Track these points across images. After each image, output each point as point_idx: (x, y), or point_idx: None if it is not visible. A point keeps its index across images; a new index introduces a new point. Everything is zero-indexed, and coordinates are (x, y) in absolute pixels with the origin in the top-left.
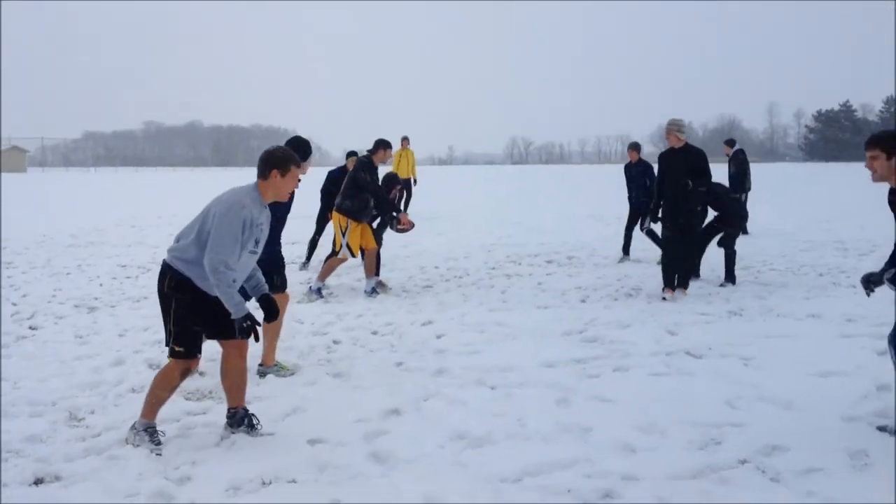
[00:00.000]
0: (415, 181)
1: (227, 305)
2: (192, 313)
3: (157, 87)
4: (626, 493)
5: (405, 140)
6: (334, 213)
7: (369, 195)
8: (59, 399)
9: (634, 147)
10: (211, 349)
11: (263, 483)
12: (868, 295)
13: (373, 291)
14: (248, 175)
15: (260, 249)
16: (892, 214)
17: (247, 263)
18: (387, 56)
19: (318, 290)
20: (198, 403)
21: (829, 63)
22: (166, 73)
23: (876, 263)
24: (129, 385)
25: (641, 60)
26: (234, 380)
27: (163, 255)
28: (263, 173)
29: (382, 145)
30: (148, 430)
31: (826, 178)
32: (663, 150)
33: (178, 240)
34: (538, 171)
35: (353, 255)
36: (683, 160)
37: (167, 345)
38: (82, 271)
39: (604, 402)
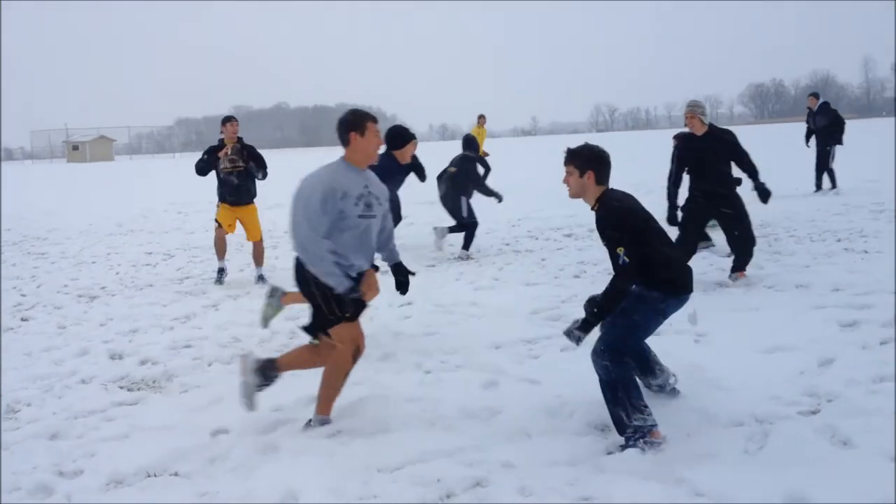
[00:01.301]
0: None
1: (327, 281)
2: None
3: (246, 72)
4: (497, 481)
5: (482, 118)
6: None
7: (233, 176)
8: (5, 392)
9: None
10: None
11: (147, 476)
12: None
13: (260, 279)
14: (334, 153)
15: (378, 213)
16: None
17: (366, 231)
18: (468, 27)
19: (220, 273)
20: (130, 394)
21: None
22: (255, 57)
23: None
24: (80, 377)
25: (728, 17)
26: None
27: (197, 240)
28: (344, 140)
29: (223, 122)
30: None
31: None
32: (681, 133)
33: None
34: (617, 138)
35: (220, 226)
36: (717, 146)
37: (323, 331)
38: (108, 260)
39: (530, 384)
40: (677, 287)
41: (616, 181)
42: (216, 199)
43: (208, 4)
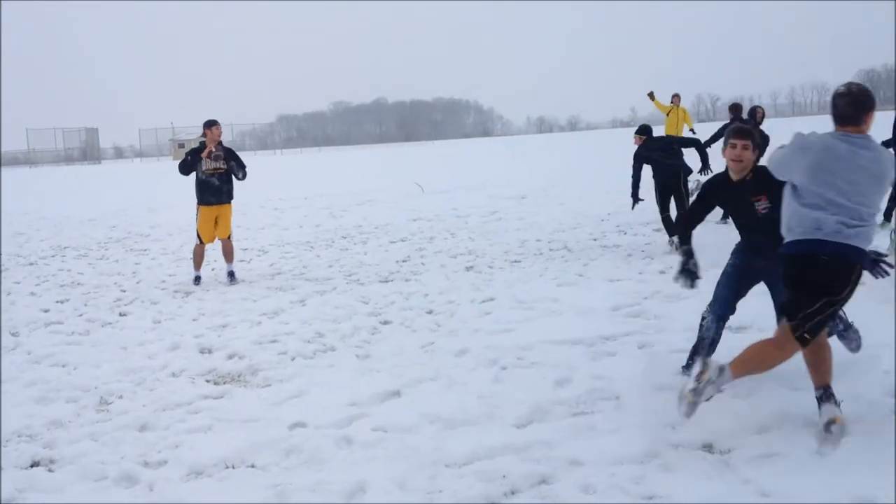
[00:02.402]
0: (692, 131)
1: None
2: None
3: (346, 69)
4: (562, 478)
5: (676, 97)
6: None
7: (214, 178)
8: (100, 384)
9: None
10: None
11: (226, 467)
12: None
13: (230, 276)
14: (430, 148)
15: None
16: None
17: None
18: (561, 19)
19: (196, 279)
20: (216, 387)
21: None
22: (353, 55)
23: None
24: (170, 370)
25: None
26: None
27: (290, 237)
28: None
29: (206, 126)
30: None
31: None
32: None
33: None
34: (715, 128)
35: (202, 242)
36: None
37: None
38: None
39: (600, 380)
40: None
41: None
42: (195, 201)
43: (307, 5)
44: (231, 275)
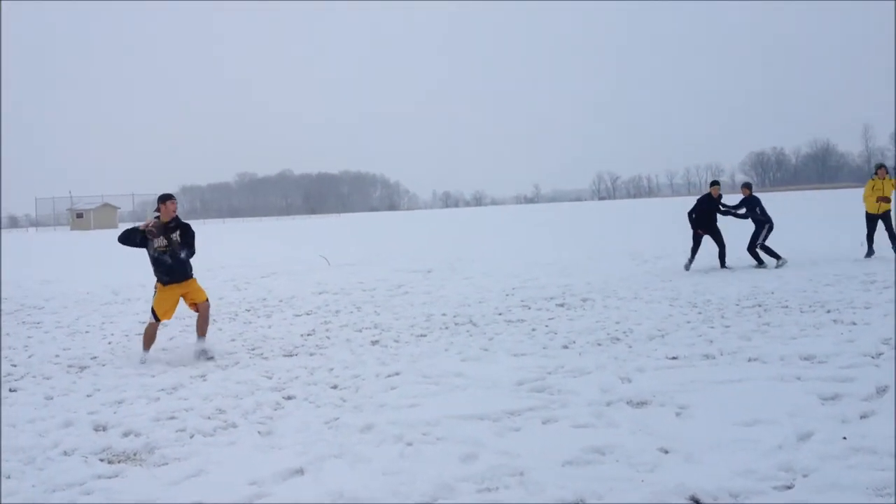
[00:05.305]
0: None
1: None
2: None
3: (252, 140)
4: None
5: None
6: None
7: (167, 256)
8: None
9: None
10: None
11: None
12: None
13: (202, 353)
14: (336, 221)
15: None
16: None
17: None
18: (470, 97)
19: (204, 352)
20: (110, 466)
21: None
22: (258, 126)
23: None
24: (62, 448)
25: (728, 86)
26: None
27: (188, 310)
28: None
29: (161, 200)
30: None
31: None
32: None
33: None
34: (617, 205)
35: (157, 320)
36: None
37: None
38: (102, 329)
39: (505, 456)
40: None
41: (613, 249)
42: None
43: (212, 72)
44: (204, 353)
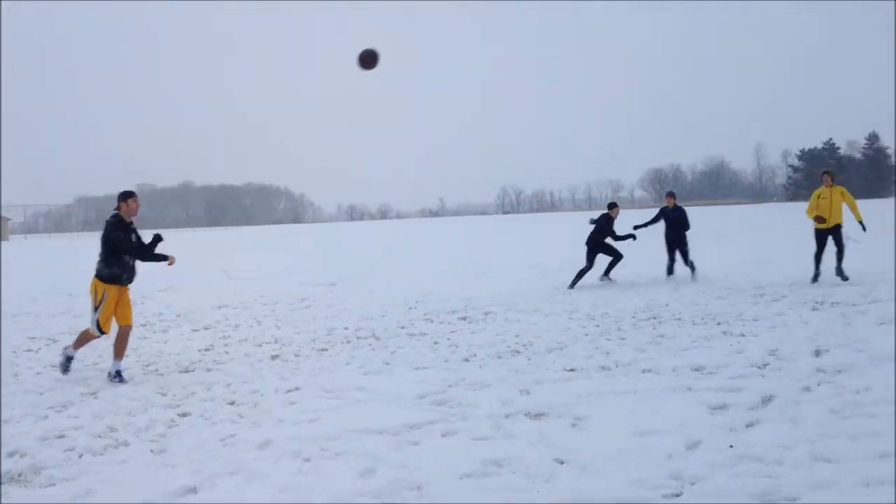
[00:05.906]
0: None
1: None
2: None
3: (152, 150)
4: None
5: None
6: (92, 281)
7: (129, 255)
8: None
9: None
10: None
11: None
12: None
13: (117, 376)
14: (239, 233)
15: None
16: None
17: None
18: (375, 109)
19: (67, 360)
20: None
21: (813, 102)
22: (158, 135)
23: (784, 307)
24: None
25: (627, 105)
26: None
27: (84, 324)
28: None
29: (123, 198)
30: None
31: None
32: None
33: None
34: (521, 220)
35: (102, 333)
36: None
37: None
38: None
39: (403, 469)
40: None
41: (515, 263)
42: (102, 281)
43: (109, 76)
44: (118, 375)
